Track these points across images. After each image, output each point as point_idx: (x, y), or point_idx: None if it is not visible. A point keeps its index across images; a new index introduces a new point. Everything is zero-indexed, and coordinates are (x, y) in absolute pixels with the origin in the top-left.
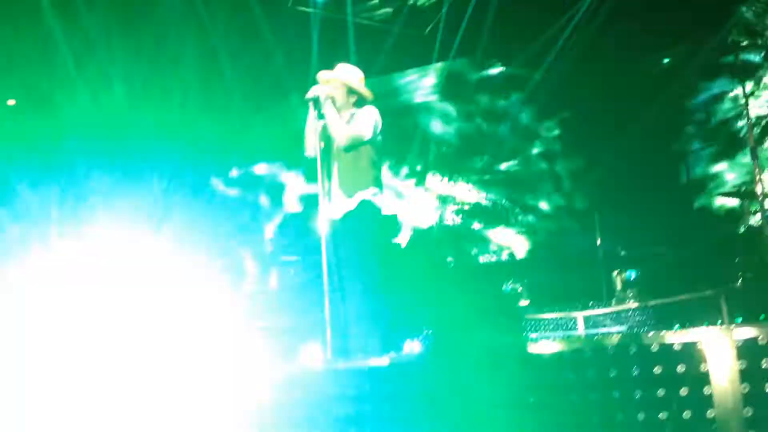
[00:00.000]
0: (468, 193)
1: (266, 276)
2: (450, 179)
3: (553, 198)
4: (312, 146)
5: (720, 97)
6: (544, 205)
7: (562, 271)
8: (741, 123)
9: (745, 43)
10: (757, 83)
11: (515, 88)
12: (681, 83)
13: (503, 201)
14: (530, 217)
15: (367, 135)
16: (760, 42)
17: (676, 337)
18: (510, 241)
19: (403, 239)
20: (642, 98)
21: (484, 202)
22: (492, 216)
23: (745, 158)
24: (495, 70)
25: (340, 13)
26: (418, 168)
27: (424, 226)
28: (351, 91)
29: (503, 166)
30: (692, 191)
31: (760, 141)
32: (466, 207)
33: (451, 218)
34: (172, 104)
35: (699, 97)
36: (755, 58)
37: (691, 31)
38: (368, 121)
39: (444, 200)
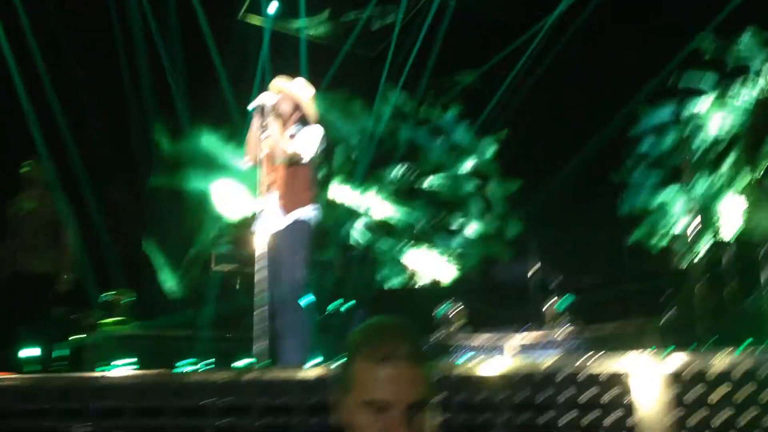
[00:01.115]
0: (386, 208)
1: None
2: (363, 190)
3: (486, 221)
4: (254, 156)
5: (661, 132)
6: (474, 228)
7: (494, 297)
8: (679, 159)
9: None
10: (703, 117)
11: (451, 99)
12: (625, 114)
13: (427, 220)
14: (460, 240)
15: (309, 155)
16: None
17: (603, 365)
18: (437, 264)
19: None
20: (586, 126)
21: (405, 220)
22: (416, 236)
23: (682, 195)
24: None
25: (290, 28)
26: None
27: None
28: (298, 108)
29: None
30: (629, 224)
31: (695, 177)
32: (379, 222)
33: (367, 235)
34: (119, 111)
35: (642, 129)
36: (699, 93)
37: (640, 61)
38: (312, 140)
39: (354, 214)
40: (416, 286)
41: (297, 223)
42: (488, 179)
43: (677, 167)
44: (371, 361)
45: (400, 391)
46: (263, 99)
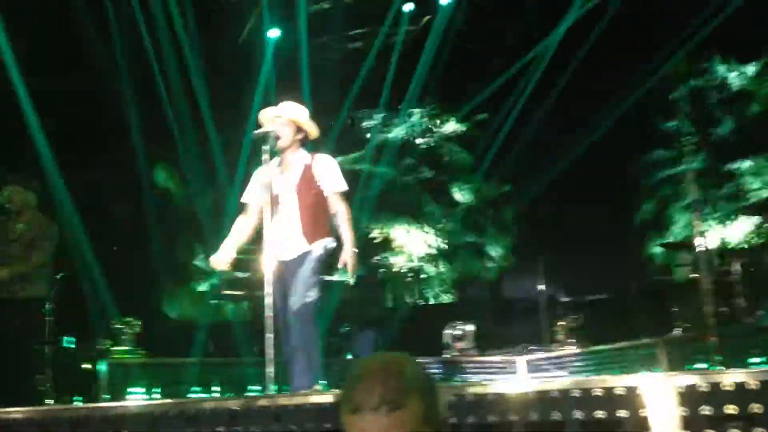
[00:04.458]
0: (406, 232)
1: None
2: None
3: (497, 239)
4: (260, 186)
5: (668, 143)
6: (484, 246)
7: (504, 315)
8: (683, 174)
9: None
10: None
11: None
12: (632, 127)
13: (440, 240)
14: (472, 258)
15: (346, 186)
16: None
17: (618, 381)
18: (447, 282)
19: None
20: (589, 144)
21: (426, 241)
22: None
23: (688, 209)
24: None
25: (292, 51)
26: None
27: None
28: (299, 130)
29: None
30: (635, 239)
31: (701, 192)
32: (399, 245)
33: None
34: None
35: (649, 141)
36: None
37: (646, 74)
38: (338, 170)
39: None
40: (423, 305)
41: (318, 250)
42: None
43: (679, 184)
44: (346, 410)
45: None
46: (266, 127)
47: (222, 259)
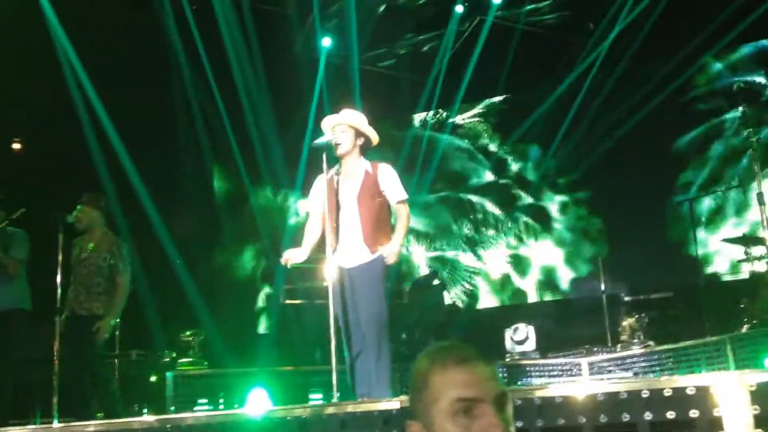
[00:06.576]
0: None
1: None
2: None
3: (556, 235)
4: (321, 193)
5: (728, 131)
6: (544, 245)
7: (566, 316)
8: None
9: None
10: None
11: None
12: (687, 114)
13: (496, 238)
14: (531, 258)
15: (406, 194)
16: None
17: (689, 381)
18: (510, 284)
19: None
20: (644, 134)
21: (478, 239)
22: (487, 253)
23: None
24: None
25: (345, 59)
26: None
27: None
28: (358, 135)
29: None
30: (698, 235)
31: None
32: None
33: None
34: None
35: (705, 130)
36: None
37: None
38: (398, 180)
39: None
40: (483, 308)
41: (381, 260)
42: (553, 194)
43: (744, 174)
44: (451, 365)
45: (486, 386)
46: (326, 136)
47: (297, 253)
